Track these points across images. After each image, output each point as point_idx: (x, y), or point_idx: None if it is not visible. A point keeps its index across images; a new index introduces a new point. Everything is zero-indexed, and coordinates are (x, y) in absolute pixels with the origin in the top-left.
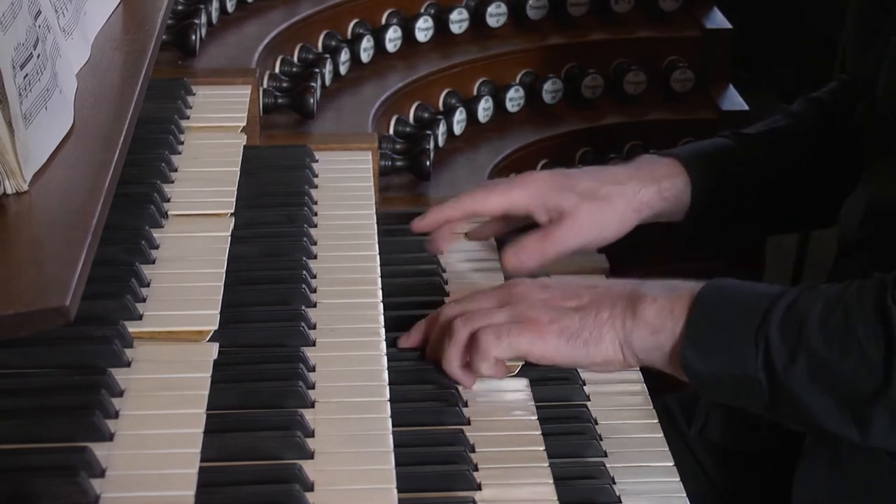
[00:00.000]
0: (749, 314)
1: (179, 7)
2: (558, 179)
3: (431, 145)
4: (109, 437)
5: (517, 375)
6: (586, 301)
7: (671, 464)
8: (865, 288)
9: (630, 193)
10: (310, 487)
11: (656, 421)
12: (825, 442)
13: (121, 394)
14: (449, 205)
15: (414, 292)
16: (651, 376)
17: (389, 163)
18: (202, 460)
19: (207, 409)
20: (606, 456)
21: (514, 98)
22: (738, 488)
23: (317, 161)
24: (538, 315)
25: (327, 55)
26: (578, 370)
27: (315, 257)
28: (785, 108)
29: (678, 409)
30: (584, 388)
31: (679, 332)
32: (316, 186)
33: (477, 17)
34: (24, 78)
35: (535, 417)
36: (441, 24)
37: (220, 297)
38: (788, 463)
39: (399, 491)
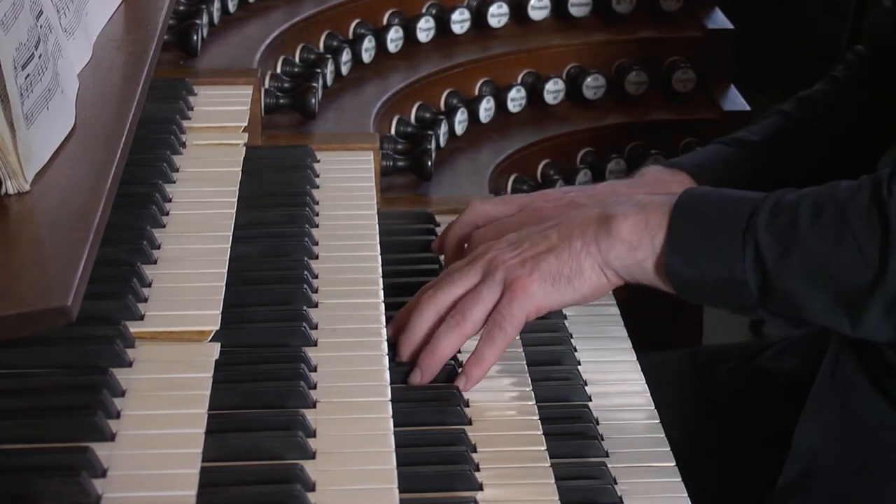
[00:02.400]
0: (732, 217)
1: (181, 7)
2: (568, 210)
3: (433, 145)
4: (111, 438)
5: (518, 375)
6: (556, 239)
7: (672, 464)
8: (857, 184)
9: None
10: (311, 487)
11: (658, 421)
12: (829, 392)
13: (122, 394)
14: (457, 226)
15: (415, 293)
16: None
17: (391, 163)
18: (203, 460)
19: (209, 410)
20: (608, 456)
21: (516, 98)
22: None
23: (318, 161)
24: (518, 272)
25: (329, 55)
26: (579, 369)
27: (316, 257)
28: (778, 108)
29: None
30: (586, 388)
31: (659, 245)
32: (317, 186)
33: (478, 17)
34: (26, 78)
35: (537, 417)
36: (442, 24)
37: (222, 297)
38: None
39: (400, 491)
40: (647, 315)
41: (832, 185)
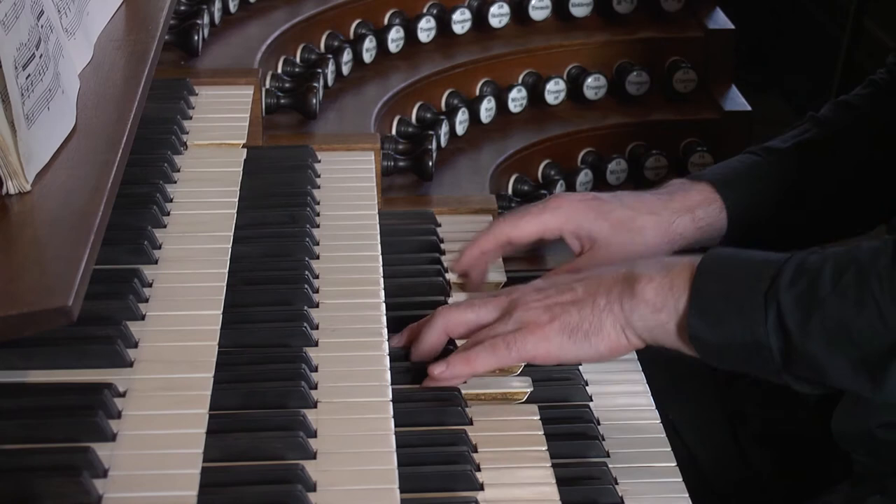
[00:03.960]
0: (755, 280)
1: (182, 7)
2: (592, 205)
3: (434, 145)
4: (112, 438)
5: (520, 375)
6: (581, 293)
7: (673, 464)
8: (879, 247)
9: (664, 224)
10: (312, 488)
11: (658, 421)
12: (860, 417)
13: (123, 394)
14: (483, 237)
15: (416, 292)
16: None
17: (392, 163)
18: (205, 460)
19: (210, 410)
20: (609, 456)
21: (517, 98)
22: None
23: (319, 161)
24: (538, 317)
25: (330, 55)
26: (580, 370)
27: (317, 257)
28: (813, 115)
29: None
30: (587, 388)
31: (682, 307)
32: (318, 187)
33: (479, 17)
34: (27, 78)
35: (538, 418)
36: (443, 24)
37: (223, 297)
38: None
39: (401, 491)
40: None
41: (854, 247)
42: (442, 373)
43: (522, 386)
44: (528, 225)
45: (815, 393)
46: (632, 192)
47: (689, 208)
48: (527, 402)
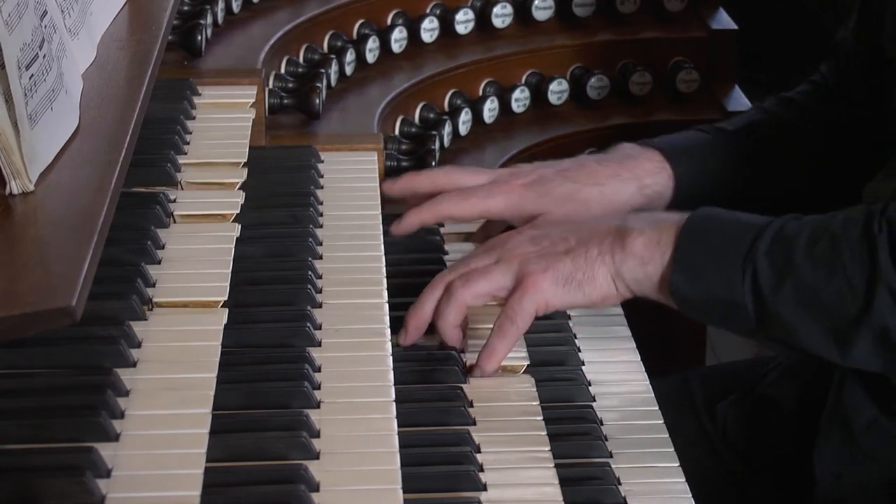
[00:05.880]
0: (736, 242)
1: (185, 7)
2: (535, 188)
3: (437, 146)
4: (115, 438)
5: (521, 375)
6: (574, 243)
7: (677, 464)
8: (852, 218)
9: (609, 195)
10: (315, 488)
11: (662, 421)
12: (837, 420)
13: (126, 394)
14: (426, 210)
15: (419, 293)
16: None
17: (395, 163)
18: (208, 460)
19: (213, 410)
20: (612, 457)
21: (520, 99)
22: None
23: (322, 161)
24: (532, 268)
25: (333, 56)
26: (584, 370)
27: (320, 258)
28: (758, 104)
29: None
30: (590, 388)
31: (667, 261)
32: (321, 187)
33: (482, 17)
34: (30, 79)
35: (541, 418)
36: (446, 24)
37: (226, 297)
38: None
39: (404, 491)
40: (648, 328)
41: (832, 216)
42: (483, 375)
43: (520, 359)
44: (472, 207)
45: (786, 353)
46: (579, 159)
47: (638, 177)
48: (530, 402)
